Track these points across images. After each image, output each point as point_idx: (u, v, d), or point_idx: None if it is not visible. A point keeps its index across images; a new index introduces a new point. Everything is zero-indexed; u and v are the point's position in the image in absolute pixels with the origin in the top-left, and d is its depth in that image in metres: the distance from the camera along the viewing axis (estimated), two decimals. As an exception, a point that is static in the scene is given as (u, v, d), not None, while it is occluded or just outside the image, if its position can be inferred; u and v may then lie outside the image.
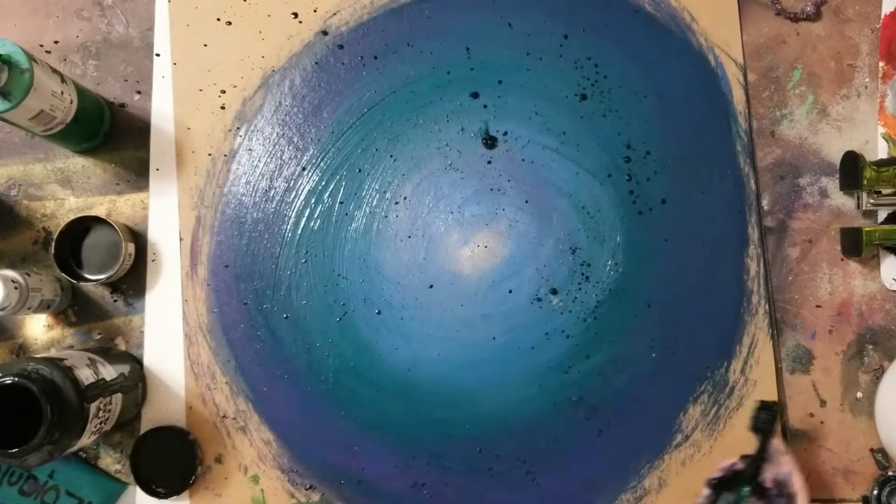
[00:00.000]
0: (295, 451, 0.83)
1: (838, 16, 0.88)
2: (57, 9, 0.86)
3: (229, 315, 0.84)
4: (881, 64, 0.87)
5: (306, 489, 0.83)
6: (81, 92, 0.79)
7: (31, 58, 0.70)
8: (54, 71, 0.74)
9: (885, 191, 0.83)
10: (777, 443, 0.78)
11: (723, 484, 0.77)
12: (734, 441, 0.84)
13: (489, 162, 0.85)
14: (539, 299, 0.84)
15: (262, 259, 0.84)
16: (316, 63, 0.85)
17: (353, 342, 0.83)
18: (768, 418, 0.78)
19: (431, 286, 0.84)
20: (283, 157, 0.85)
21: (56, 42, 0.86)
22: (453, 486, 0.83)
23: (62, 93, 0.75)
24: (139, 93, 0.86)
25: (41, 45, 0.86)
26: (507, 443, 0.83)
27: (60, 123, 0.76)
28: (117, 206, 0.85)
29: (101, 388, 0.73)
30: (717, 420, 0.84)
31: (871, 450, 0.85)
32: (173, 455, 0.81)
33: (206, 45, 0.85)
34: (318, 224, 0.84)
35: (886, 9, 0.88)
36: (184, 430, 0.82)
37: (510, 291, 0.84)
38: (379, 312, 0.84)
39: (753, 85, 0.87)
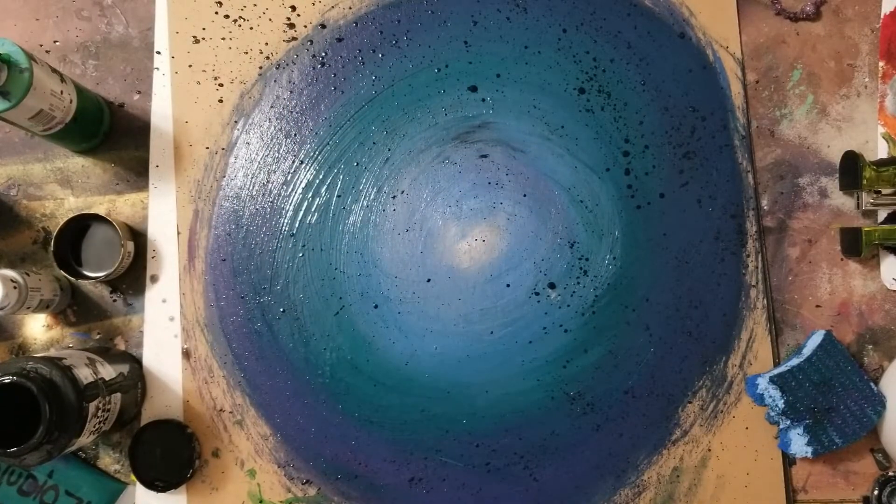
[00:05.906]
0: (291, 446, 0.83)
1: (838, 15, 0.88)
2: (57, 8, 0.86)
3: (226, 309, 0.83)
4: (881, 64, 0.87)
5: (303, 483, 0.83)
6: (81, 92, 0.79)
7: (30, 57, 0.70)
8: (54, 70, 0.74)
9: (884, 191, 0.83)
10: None
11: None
12: (732, 436, 0.83)
13: (485, 156, 0.85)
14: (537, 293, 0.84)
15: (259, 253, 0.84)
16: (314, 56, 0.85)
17: (351, 336, 0.83)
18: None
19: (429, 280, 0.84)
20: (281, 151, 0.85)
21: (56, 42, 0.86)
22: (450, 481, 0.82)
23: (62, 92, 0.75)
24: (139, 92, 0.86)
25: (41, 45, 0.86)
26: (505, 437, 0.83)
27: (60, 123, 0.77)
28: (117, 206, 0.85)
29: (100, 388, 0.73)
30: (716, 415, 0.83)
31: (871, 450, 0.85)
32: (171, 448, 0.81)
33: (204, 39, 0.86)
34: (315, 218, 0.84)
35: (886, 8, 0.88)
36: (182, 423, 0.82)
37: (508, 286, 0.84)
38: (376, 306, 0.83)
39: (753, 85, 0.87)
